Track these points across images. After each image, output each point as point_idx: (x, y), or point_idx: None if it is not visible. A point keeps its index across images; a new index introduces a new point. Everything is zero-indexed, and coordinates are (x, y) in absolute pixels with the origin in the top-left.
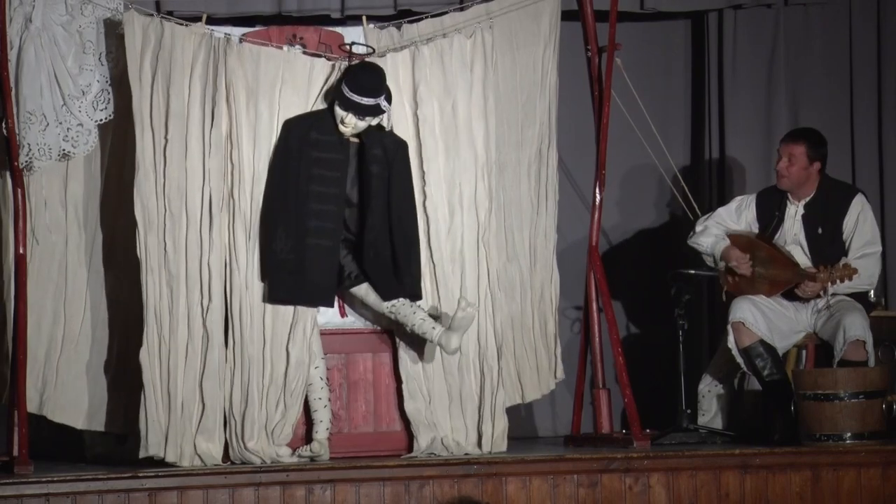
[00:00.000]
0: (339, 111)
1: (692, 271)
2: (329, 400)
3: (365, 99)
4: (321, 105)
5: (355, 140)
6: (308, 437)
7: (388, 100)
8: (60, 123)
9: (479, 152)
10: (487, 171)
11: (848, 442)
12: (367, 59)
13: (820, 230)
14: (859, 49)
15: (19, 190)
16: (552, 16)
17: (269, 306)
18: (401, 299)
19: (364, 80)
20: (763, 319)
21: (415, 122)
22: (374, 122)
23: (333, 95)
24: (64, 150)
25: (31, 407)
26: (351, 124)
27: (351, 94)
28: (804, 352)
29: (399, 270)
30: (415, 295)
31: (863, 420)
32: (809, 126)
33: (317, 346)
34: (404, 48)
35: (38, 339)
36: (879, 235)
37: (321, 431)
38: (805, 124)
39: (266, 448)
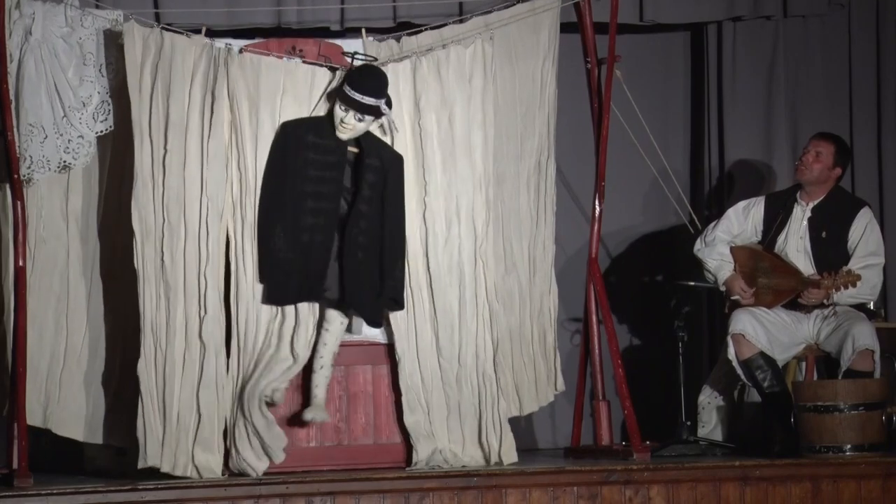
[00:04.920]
0: (338, 112)
1: (692, 283)
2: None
3: (366, 98)
4: (322, 113)
5: (353, 149)
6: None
7: (389, 106)
8: (61, 135)
9: (478, 164)
10: (486, 183)
11: (848, 454)
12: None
13: (824, 234)
14: (858, 61)
15: (19, 202)
16: (551, 28)
17: (277, 314)
18: (331, 348)
19: (366, 79)
20: (763, 331)
21: (414, 133)
22: (374, 125)
23: (335, 96)
24: (64, 161)
25: (36, 421)
26: (350, 125)
27: (352, 91)
28: (804, 363)
29: (384, 274)
30: (396, 300)
31: (863, 432)
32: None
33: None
34: (405, 58)
35: (39, 352)
36: (884, 249)
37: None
38: (804, 136)
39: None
